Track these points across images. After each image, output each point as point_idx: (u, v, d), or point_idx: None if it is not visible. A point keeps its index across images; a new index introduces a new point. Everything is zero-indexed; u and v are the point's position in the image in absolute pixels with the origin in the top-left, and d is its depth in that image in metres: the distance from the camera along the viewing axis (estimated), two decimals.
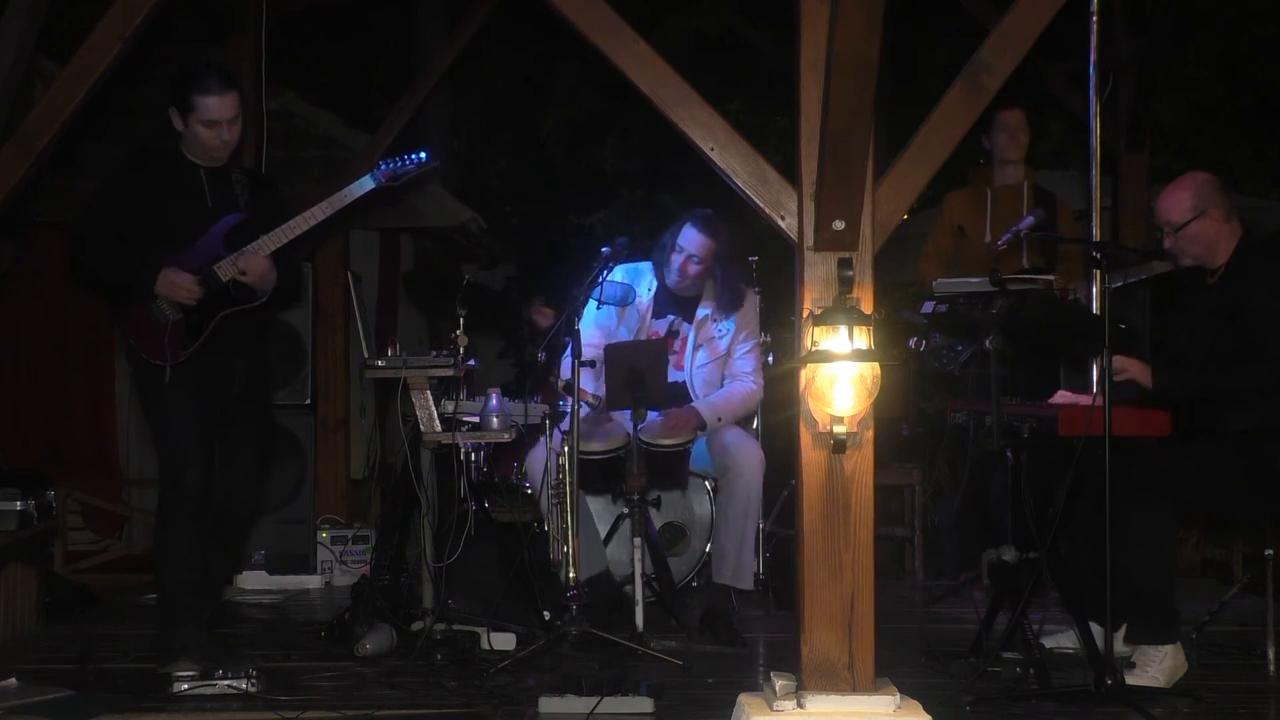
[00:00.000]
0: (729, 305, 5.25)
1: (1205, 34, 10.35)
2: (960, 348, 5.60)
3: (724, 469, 5.09)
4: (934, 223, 6.23)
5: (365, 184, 4.48)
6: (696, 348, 5.24)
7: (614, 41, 3.60)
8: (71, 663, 4.48)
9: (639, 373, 4.72)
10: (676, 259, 5.17)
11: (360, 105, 10.74)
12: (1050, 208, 5.72)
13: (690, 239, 5.15)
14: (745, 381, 5.30)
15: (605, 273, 5.08)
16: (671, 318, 5.28)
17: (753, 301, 5.36)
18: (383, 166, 4.52)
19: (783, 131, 10.89)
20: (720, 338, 5.25)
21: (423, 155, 4.54)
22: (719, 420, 5.18)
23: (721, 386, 5.29)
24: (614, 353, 4.88)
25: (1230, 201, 4.34)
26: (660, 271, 5.25)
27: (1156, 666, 4.11)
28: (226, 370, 4.44)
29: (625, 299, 5.19)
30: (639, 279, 5.24)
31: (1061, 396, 4.35)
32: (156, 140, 4.70)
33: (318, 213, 4.43)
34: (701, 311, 5.26)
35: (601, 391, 5.03)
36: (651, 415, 4.99)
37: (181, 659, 4.19)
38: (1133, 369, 4.19)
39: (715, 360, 5.25)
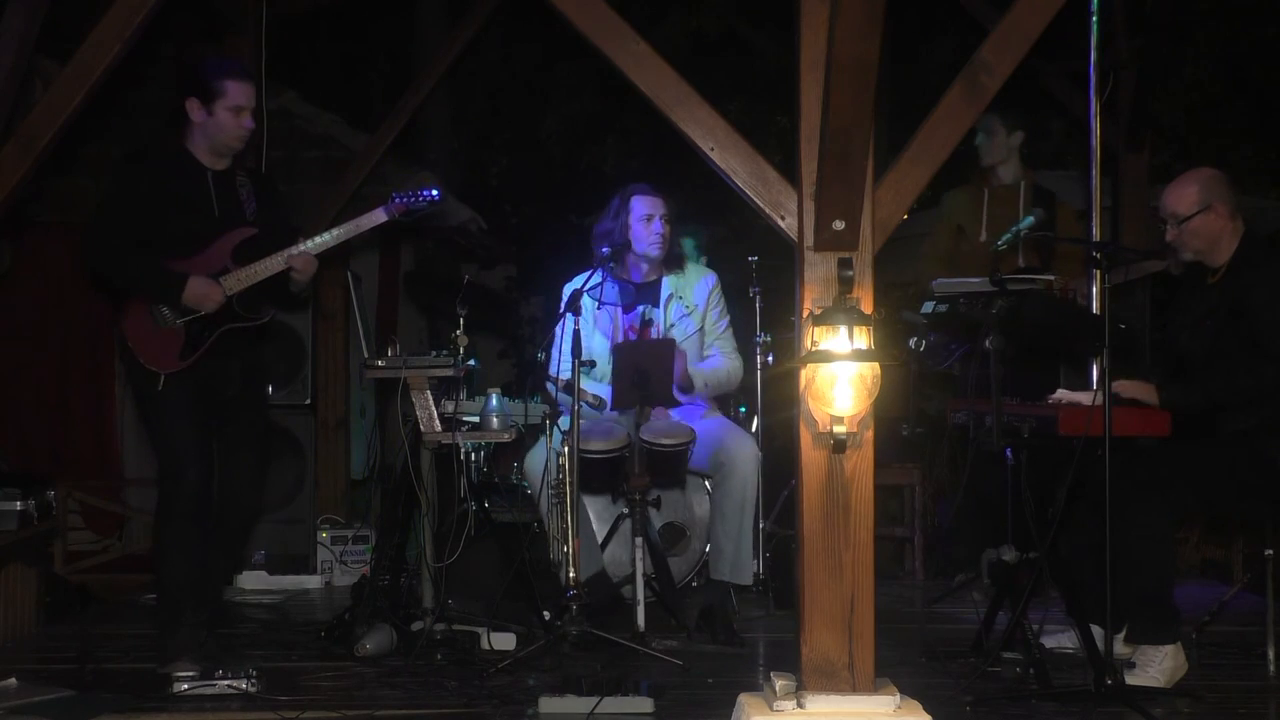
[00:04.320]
0: (675, 265, 5.29)
1: (1205, 34, 10.36)
2: (954, 346, 5.60)
3: (719, 465, 5.08)
4: (934, 222, 6.23)
5: (378, 215, 4.57)
6: (670, 326, 5.25)
7: (614, 41, 3.60)
8: (71, 663, 4.49)
9: (645, 372, 4.72)
10: (644, 227, 5.17)
11: (360, 105, 10.75)
12: (1049, 207, 5.72)
13: (645, 203, 5.19)
14: (728, 358, 5.31)
15: (605, 273, 5.09)
16: (641, 308, 5.29)
17: (711, 277, 5.36)
18: (396, 199, 4.59)
19: (783, 131, 10.89)
20: (688, 314, 5.26)
21: (434, 193, 4.62)
22: (705, 385, 5.21)
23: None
24: (621, 352, 4.89)
25: (1236, 199, 4.34)
26: (622, 262, 5.23)
27: (1156, 667, 4.11)
28: (223, 373, 4.45)
29: (625, 299, 5.20)
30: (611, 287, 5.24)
31: (1060, 395, 4.35)
32: (157, 140, 4.70)
33: (329, 239, 4.48)
34: (666, 291, 5.28)
35: (597, 390, 5.05)
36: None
37: (181, 659, 4.19)
38: (1137, 392, 4.18)
39: (694, 334, 5.26)
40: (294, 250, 4.43)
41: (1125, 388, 4.14)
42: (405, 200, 4.57)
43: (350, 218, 4.59)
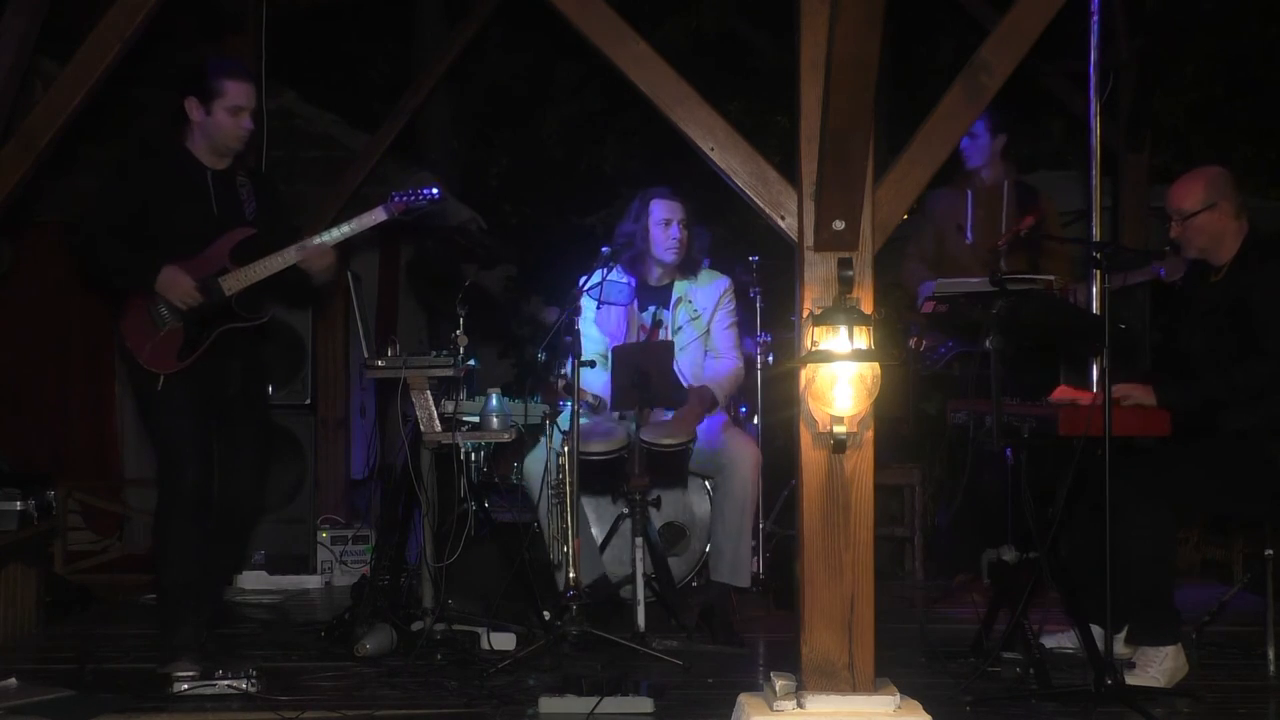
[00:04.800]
0: (690, 269, 5.31)
1: (1205, 34, 10.35)
2: (942, 349, 5.61)
3: (720, 467, 5.09)
4: (916, 224, 6.23)
5: (377, 214, 4.55)
6: (677, 329, 5.26)
7: (614, 41, 3.60)
8: (71, 663, 4.48)
9: (645, 373, 4.73)
10: (661, 231, 5.21)
11: (360, 105, 10.73)
12: (1034, 204, 5.73)
13: (664, 207, 5.22)
14: (729, 359, 5.32)
15: (605, 272, 5.10)
16: (653, 308, 5.30)
17: (724, 282, 5.39)
18: (396, 198, 4.57)
19: (783, 131, 10.88)
20: (693, 320, 5.27)
21: (434, 191, 4.60)
22: (725, 395, 5.26)
23: (704, 363, 5.31)
24: (622, 354, 4.89)
25: (1241, 199, 4.36)
26: (639, 264, 5.25)
27: (1157, 667, 4.11)
28: (222, 372, 4.45)
29: (626, 299, 5.21)
30: (612, 286, 5.25)
31: (1061, 391, 4.35)
32: (157, 139, 4.69)
33: (329, 239, 4.46)
34: (675, 294, 5.30)
35: (598, 390, 5.06)
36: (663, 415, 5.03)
37: (181, 659, 4.19)
38: (1135, 393, 4.18)
39: (697, 339, 5.28)
40: (307, 243, 4.42)
41: (1125, 390, 4.14)
42: (405, 199, 4.56)
43: (350, 217, 4.59)
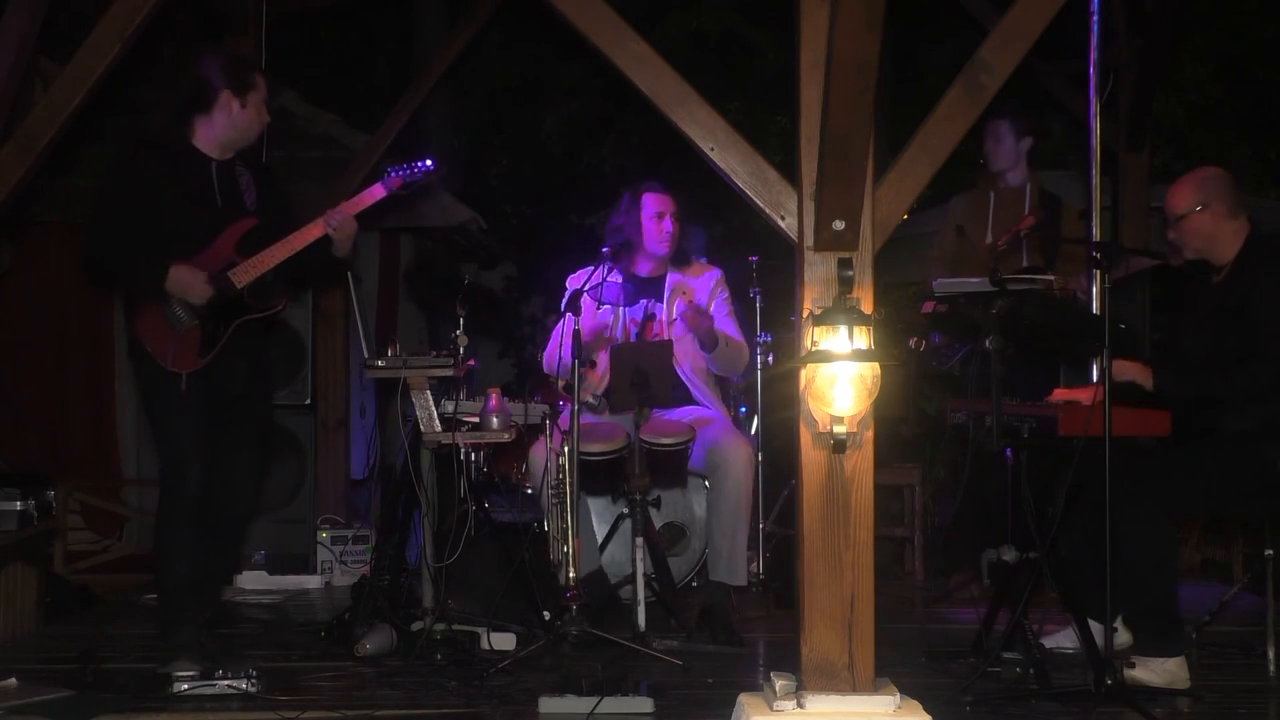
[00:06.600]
0: (681, 261, 5.35)
1: (1205, 34, 10.36)
2: (958, 346, 5.60)
3: (714, 466, 5.08)
4: (940, 224, 6.24)
5: (376, 192, 4.53)
6: (671, 322, 5.27)
7: (613, 41, 3.60)
8: (71, 663, 4.48)
9: (644, 373, 4.73)
10: (653, 224, 5.23)
11: (360, 105, 10.74)
12: (1054, 211, 5.72)
13: (656, 200, 5.25)
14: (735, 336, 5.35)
15: (606, 272, 5.10)
16: (644, 302, 5.31)
17: (716, 272, 5.41)
18: (392, 174, 4.54)
19: (783, 131, 10.88)
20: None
21: (429, 163, 4.59)
22: (725, 344, 5.23)
23: (701, 357, 5.31)
24: (620, 353, 4.89)
25: (1238, 199, 4.35)
26: (629, 259, 5.26)
27: (1158, 668, 4.10)
28: (230, 371, 4.44)
29: (628, 294, 5.21)
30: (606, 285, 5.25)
31: (1058, 394, 4.35)
32: (157, 132, 4.69)
33: (346, 208, 4.45)
34: (670, 284, 5.32)
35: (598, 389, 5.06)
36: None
37: (181, 659, 4.19)
38: (1132, 371, 4.19)
39: (689, 334, 5.27)
40: (331, 213, 4.40)
41: (1122, 366, 4.14)
42: (401, 174, 4.54)
43: (349, 197, 4.56)
